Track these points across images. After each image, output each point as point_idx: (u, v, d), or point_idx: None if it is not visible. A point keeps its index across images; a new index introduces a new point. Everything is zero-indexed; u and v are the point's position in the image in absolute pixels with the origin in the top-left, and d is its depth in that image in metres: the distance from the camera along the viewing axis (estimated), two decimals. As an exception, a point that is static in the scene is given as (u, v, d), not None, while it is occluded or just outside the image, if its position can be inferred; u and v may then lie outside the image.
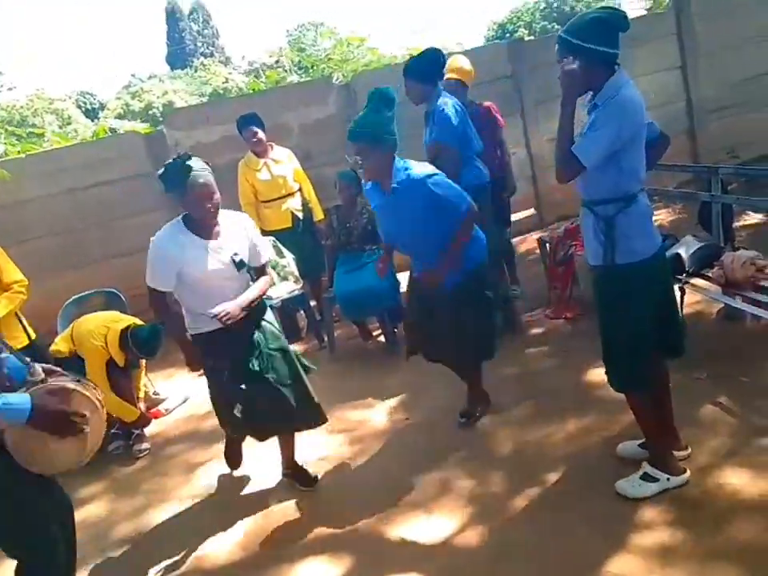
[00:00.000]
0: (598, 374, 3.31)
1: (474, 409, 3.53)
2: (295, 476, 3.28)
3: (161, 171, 2.77)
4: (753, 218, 5.61)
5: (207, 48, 44.95)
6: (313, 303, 5.36)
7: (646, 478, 2.62)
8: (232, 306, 2.76)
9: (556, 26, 19.28)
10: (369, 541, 2.79)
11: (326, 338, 5.02)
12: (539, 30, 31.11)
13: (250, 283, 2.97)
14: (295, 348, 3.83)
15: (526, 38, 10.26)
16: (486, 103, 4.81)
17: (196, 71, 32.56)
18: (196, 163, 2.76)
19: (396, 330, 4.73)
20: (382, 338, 4.89)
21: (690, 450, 2.80)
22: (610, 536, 2.47)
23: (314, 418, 3.13)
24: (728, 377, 3.31)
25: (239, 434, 3.27)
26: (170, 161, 2.77)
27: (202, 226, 2.82)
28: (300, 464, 3.30)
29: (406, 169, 3.05)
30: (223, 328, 2.76)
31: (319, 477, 3.29)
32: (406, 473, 3.20)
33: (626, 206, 2.41)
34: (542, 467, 2.99)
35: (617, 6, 1.79)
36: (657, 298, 2.53)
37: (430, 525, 2.79)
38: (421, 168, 3.09)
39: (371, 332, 5.03)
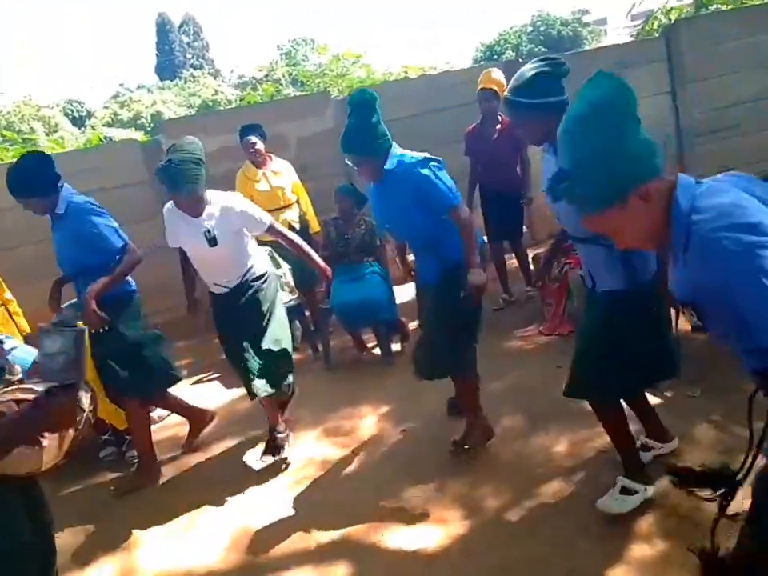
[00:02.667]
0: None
1: (464, 439, 3.36)
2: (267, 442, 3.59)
3: (159, 167, 3.21)
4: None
5: (197, 60, 45.02)
6: (307, 314, 5.37)
7: (626, 491, 2.64)
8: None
9: (543, 49, 19.59)
10: (361, 550, 2.79)
11: (320, 349, 5.03)
12: (526, 53, 31.64)
13: (249, 251, 3.50)
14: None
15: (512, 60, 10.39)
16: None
17: (185, 83, 32.60)
18: (182, 176, 3.18)
19: (391, 342, 4.75)
20: (377, 350, 4.91)
21: (677, 440, 2.92)
22: (610, 548, 2.49)
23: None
24: (721, 393, 3.37)
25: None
26: (168, 163, 3.16)
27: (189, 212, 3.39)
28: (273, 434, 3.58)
29: (401, 155, 3.05)
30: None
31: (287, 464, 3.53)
32: (401, 483, 3.21)
33: None
34: (540, 480, 3.01)
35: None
36: (658, 316, 2.58)
37: (426, 536, 2.80)
38: (416, 155, 3.08)
39: (366, 343, 5.05)
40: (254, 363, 3.43)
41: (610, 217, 1.47)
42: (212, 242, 3.33)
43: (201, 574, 2.84)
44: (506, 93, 2.53)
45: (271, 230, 3.50)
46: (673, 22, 8.90)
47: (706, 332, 1.68)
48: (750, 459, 1.51)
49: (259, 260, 3.61)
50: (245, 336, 3.45)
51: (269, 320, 3.51)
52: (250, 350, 3.44)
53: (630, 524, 2.59)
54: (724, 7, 10.60)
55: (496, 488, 3.04)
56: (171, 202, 3.40)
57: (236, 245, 3.42)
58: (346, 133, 3.01)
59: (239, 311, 3.47)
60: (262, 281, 3.53)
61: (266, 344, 3.47)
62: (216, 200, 3.39)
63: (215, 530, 3.12)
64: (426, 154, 3.06)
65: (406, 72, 9.65)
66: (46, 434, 1.97)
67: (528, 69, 2.48)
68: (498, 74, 5.03)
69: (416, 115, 6.32)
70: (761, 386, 1.45)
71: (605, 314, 2.57)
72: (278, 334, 3.55)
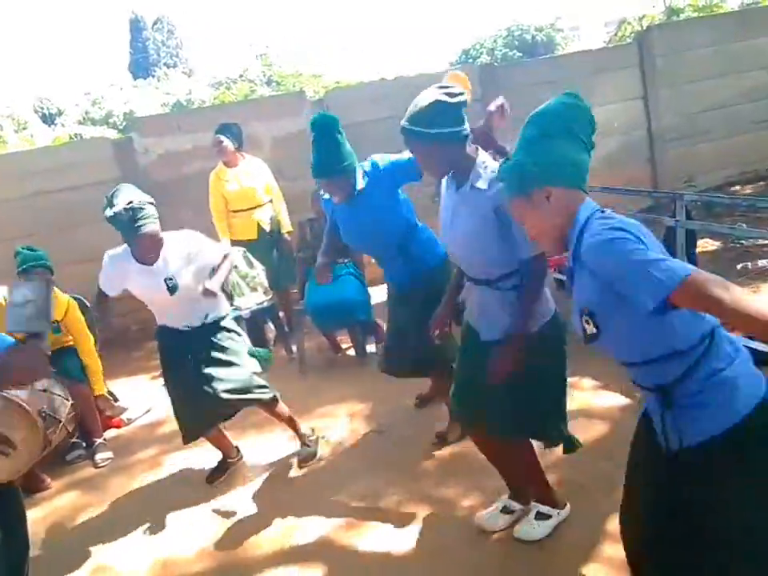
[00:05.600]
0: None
1: (446, 434, 3.45)
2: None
3: (109, 214, 2.90)
4: (712, 244, 5.84)
5: (171, 59, 44.48)
6: (281, 315, 5.33)
7: (541, 517, 2.63)
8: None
9: (517, 54, 19.71)
10: (336, 550, 2.78)
11: (294, 350, 4.99)
12: (500, 57, 31.84)
13: (207, 285, 3.16)
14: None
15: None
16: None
17: (159, 81, 32.18)
18: (142, 216, 2.93)
19: (366, 343, 4.73)
20: (351, 351, 4.89)
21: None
22: (581, 547, 2.51)
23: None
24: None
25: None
26: (117, 210, 2.89)
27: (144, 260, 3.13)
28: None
29: (371, 166, 3.08)
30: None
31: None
32: (375, 482, 3.20)
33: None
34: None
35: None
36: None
37: (400, 535, 2.79)
38: (379, 157, 3.12)
39: (341, 344, 5.02)
40: (212, 404, 3.21)
41: (520, 205, 1.68)
42: (173, 289, 3.10)
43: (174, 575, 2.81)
44: (402, 122, 2.33)
45: (225, 259, 3.34)
46: (645, 28, 9.04)
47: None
48: None
49: (221, 299, 3.39)
50: (202, 377, 3.18)
51: (230, 363, 3.28)
52: (209, 391, 3.17)
53: (603, 526, 2.60)
54: (695, 15, 10.81)
55: (469, 486, 3.05)
56: (117, 249, 3.13)
57: (197, 287, 3.17)
58: (317, 158, 3.01)
59: (199, 352, 3.21)
60: (223, 320, 3.34)
61: (228, 386, 3.22)
62: (170, 243, 3.14)
63: (188, 531, 3.08)
64: (388, 157, 3.11)
65: (381, 75, 9.66)
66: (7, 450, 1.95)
67: (424, 97, 2.29)
68: (458, 75, 4.86)
69: (392, 117, 6.30)
70: (661, 401, 1.57)
71: (537, 358, 2.38)
72: (239, 374, 3.30)
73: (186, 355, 3.21)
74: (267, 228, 5.17)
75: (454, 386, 2.65)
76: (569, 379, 2.53)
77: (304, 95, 7.03)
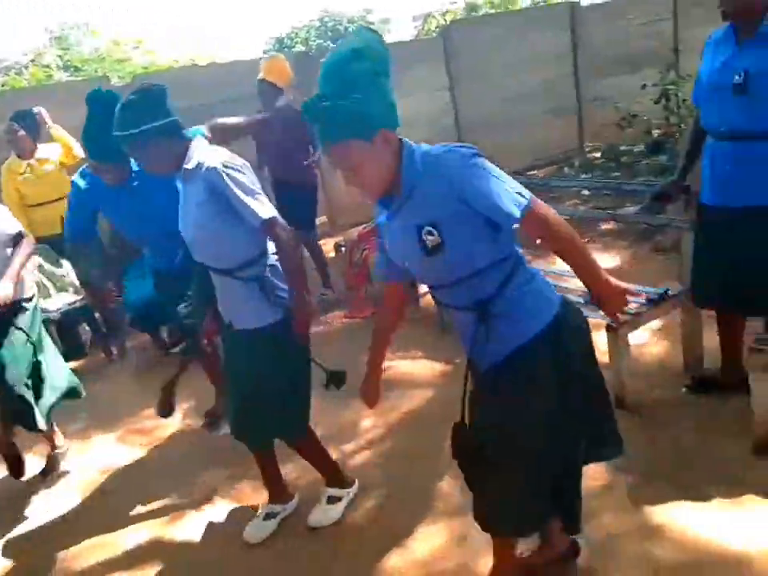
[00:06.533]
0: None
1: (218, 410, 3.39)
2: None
3: None
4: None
5: (-54, 40, 39.27)
6: (97, 315, 4.98)
7: (333, 500, 2.69)
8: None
9: (331, 45, 19.98)
10: (159, 542, 2.75)
11: (115, 351, 4.70)
12: (315, 48, 32.08)
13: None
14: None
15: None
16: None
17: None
18: None
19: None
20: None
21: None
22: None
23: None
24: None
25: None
26: None
27: None
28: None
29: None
30: None
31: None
32: (205, 473, 3.17)
33: None
34: (349, 454, 3.11)
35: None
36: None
37: (227, 515, 2.76)
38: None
39: (166, 342, 4.80)
40: (29, 395, 3.03)
41: (354, 149, 1.60)
42: None
43: None
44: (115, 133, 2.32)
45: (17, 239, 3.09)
46: (448, 23, 9.58)
47: (436, 291, 1.86)
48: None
49: (27, 280, 3.18)
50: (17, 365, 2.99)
51: (41, 350, 3.13)
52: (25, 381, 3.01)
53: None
54: (492, 11, 11.66)
55: (301, 466, 3.01)
56: None
57: None
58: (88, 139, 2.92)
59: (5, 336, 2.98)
60: (29, 302, 3.13)
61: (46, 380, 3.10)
62: None
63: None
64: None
65: (193, 61, 9.29)
66: None
67: (123, 102, 2.32)
68: (277, 62, 4.78)
69: (203, 105, 6.10)
70: (478, 316, 1.73)
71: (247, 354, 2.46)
72: (55, 369, 3.19)
73: None
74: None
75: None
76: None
77: (108, 81, 6.58)
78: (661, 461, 2.65)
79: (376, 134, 1.60)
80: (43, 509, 3.14)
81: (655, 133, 7.52)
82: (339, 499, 2.70)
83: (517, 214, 1.58)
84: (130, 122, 2.27)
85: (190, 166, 2.33)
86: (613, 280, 1.71)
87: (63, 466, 3.42)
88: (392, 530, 2.54)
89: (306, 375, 2.52)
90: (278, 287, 2.39)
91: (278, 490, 2.74)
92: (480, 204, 1.60)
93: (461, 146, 1.67)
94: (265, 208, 2.27)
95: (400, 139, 1.68)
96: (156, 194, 2.88)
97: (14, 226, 3.13)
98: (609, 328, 2.93)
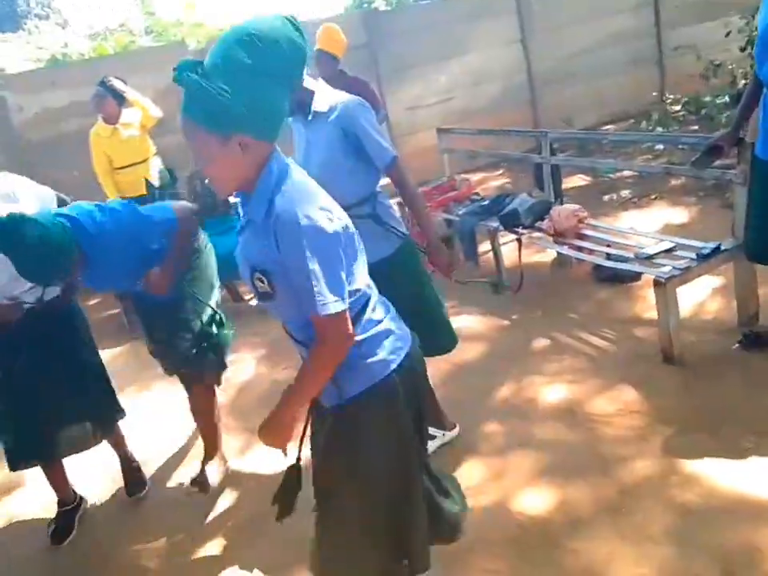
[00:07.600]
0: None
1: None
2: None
3: None
4: (582, 179, 6.28)
5: (42, 9, 41.11)
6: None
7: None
8: None
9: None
10: None
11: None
12: (395, 2, 31.57)
13: None
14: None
15: (382, 9, 10.48)
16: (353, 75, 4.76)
17: (30, 34, 29.81)
18: None
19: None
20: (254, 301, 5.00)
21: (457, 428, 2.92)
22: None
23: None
24: (557, 313, 3.82)
25: None
26: None
27: None
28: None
29: None
30: None
31: None
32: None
33: None
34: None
35: None
36: None
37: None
38: None
39: (242, 294, 5.12)
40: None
41: (208, 142, 1.41)
42: None
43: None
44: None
45: None
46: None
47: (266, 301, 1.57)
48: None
49: None
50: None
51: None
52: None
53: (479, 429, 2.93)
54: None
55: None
56: None
57: None
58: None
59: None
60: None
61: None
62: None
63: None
64: None
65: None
66: None
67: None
68: (330, 32, 4.45)
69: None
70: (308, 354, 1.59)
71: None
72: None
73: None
74: (156, 183, 5.12)
75: None
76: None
77: (185, 45, 6.87)
78: (702, 414, 2.68)
79: (230, 136, 1.40)
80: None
81: (741, 83, 7.12)
82: (433, 437, 2.72)
83: (317, 312, 1.44)
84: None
85: (321, 108, 2.42)
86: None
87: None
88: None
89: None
90: (390, 220, 2.55)
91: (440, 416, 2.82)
92: (294, 279, 1.46)
93: (308, 210, 1.44)
94: (391, 147, 2.47)
95: (272, 154, 1.49)
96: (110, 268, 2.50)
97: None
98: (656, 282, 2.95)
